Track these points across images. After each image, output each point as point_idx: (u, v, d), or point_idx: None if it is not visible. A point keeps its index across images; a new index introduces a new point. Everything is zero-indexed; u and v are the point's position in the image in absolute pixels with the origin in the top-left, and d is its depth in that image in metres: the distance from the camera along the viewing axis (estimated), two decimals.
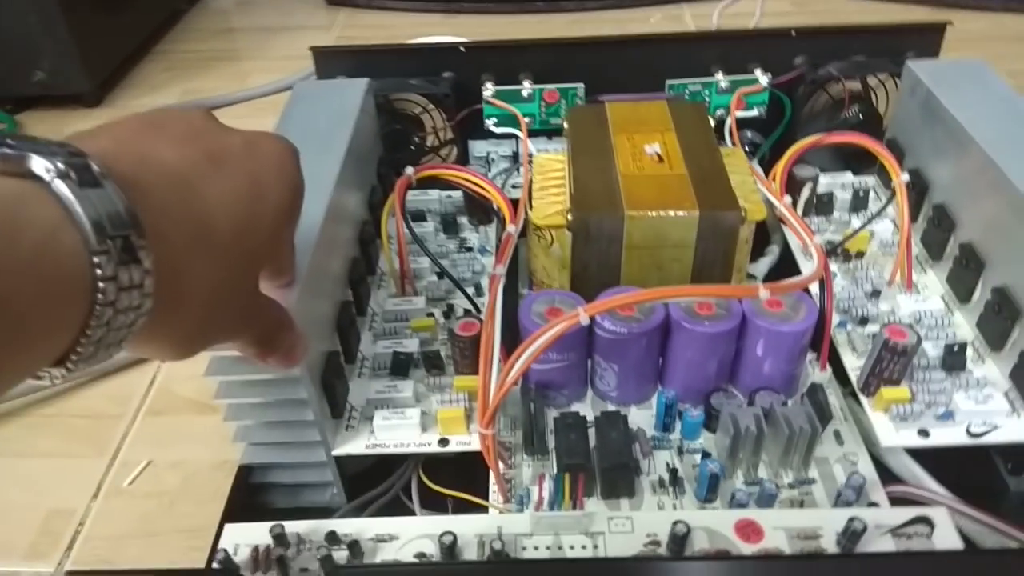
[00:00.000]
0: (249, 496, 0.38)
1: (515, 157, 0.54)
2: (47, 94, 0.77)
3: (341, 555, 0.26)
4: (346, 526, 0.27)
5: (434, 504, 0.37)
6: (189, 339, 0.23)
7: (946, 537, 0.26)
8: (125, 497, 0.42)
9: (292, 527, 0.27)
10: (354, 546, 0.26)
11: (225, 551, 0.25)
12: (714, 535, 0.26)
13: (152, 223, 0.20)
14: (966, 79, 0.45)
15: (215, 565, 0.25)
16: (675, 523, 0.25)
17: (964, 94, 0.43)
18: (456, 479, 0.37)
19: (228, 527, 0.27)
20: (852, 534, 0.25)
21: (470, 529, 0.27)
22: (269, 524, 0.26)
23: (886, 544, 0.26)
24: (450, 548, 0.25)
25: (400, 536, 0.27)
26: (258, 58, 0.90)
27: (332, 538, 0.26)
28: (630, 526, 0.27)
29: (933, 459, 0.36)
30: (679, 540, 0.25)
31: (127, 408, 0.47)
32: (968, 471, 0.37)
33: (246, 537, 0.27)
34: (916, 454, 0.37)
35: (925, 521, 0.26)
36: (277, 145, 0.26)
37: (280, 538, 0.26)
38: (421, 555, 0.26)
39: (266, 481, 0.38)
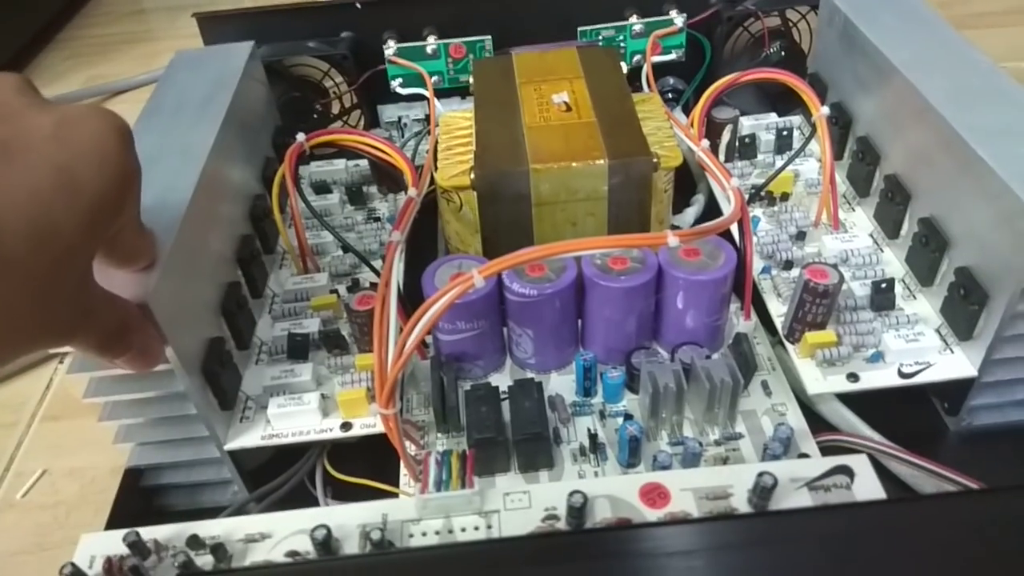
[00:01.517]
0: (145, 500, 0.35)
1: (428, 120, 0.51)
2: None
3: (207, 560, 0.23)
4: (212, 528, 0.24)
5: (349, 495, 0.34)
6: None
7: (867, 486, 0.24)
8: (19, 510, 0.39)
9: (152, 532, 0.24)
10: (218, 549, 0.23)
11: (73, 564, 0.22)
12: (617, 503, 0.24)
13: None
14: (885, 5, 0.43)
15: None
16: (571, 494, 0.23)
17: (883, 19, 0.41)
18: (371, 466, 0.34)
19: (84, 537, 0.25)
20: (762, 490, 0.23)
21: (352, 519, 0.24)
22: (122, 532, 0.23)
23: (802, 499, 0.24)
24: (324, 543, 0.23)
25: (273, 533, 0.24)
26: (169, 38, 0.85)
27: (195, 542, 0.24)
28: (527, 501, 0.25)
29: (869, 405, 0.34)
30: (576, 512, 0.23)
31: (21, 415, 0.44)
32: (905, 415, 0.35)
33: (104, 547, 0.24)
34: (852, 400, 0.35)
35: (845, 471, 0.25)
36: (98, 126, 0.22)
37: (135, 546, 0.23)
38: (294, 553, 0.23)
39: (160, 483, 0.35)
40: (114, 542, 0.24)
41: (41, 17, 0.86)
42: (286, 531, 0.24)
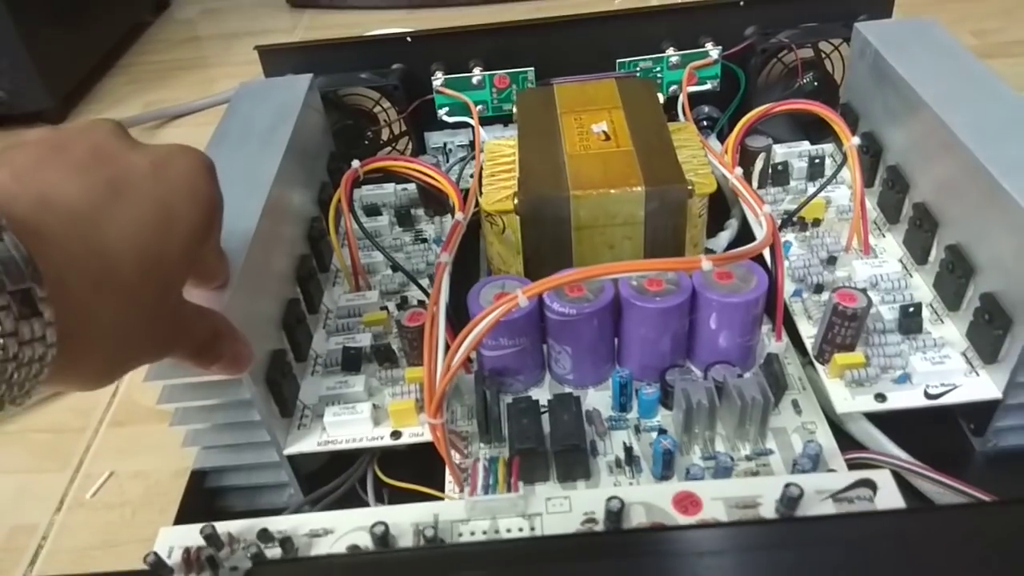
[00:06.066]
0: (207, 501, 0.37)
1: (472, 146, 0.54)
2: (9, 113, 0.76)
3: (275, 552, 0.26)
4: (280, 523, 0.27)
5: (396, 500, 0.36)
6: (104, 373, 0.23)
7: (890, 499, 0.25)
8: (88, 509, 0.42)
9: (226, 527, 0.26)
10: (286, 543, 0.26)
11: (156, 554, 0.25)
12: (651, 509, 0.26)
13: (53, 270, 0.19)
14: (915, 38, 0.44)
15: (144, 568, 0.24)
16: (609, 499, 0.25)
17: (913, 54, 0.43)
18: (417, 472, 0.36)
19: (163, 530, 0.27)
20: (788, 500, 0.25)
21: (406, 519, 0.26)
22: (198, 526, 0.26)
23: (827, 509, 0.25)
24: (382, 538, 0.25)
25: (335, 530, 0.26)
26: (223, 64, 0.90)
27: (265, 535, 0.26)
28: (568, 506, 0.26)
29: (898, 426, 0.36)
30: (614, 516, 0.25)
31: (90, 420, 0.47)
32: (933, 435, 0.36)
33: (181, 539, 0.26)
34: (881, 421, 0.36)
35: (868, 484, 0.26)
36: (188, 163, 0.25)
37: (211, 538, 0.26)
38: (354, 547, 0.25)
39: (223, 485, 0.37)
40: (190, 535, 0.26)
41: (104, 45, 0.90)
42: (346, 527, 0.26)
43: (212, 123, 0.78)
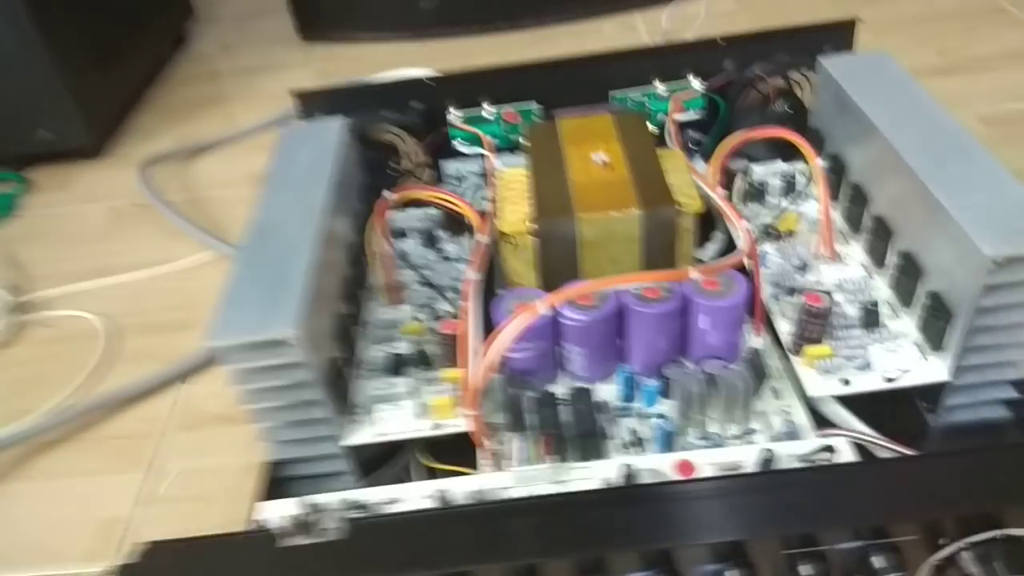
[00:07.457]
0: (276, 490, 0.44)
1: (484, 174, 0.60)
2: (52, 151, 0.82)
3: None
4: (357, 495, 0.33)
5: None
6: None
7: (846, 459, 0.32)
8: (165, 502, 0.48)
9: (311, 499, 0.33)
10: (365, 509, 0.32)
11: (259, 521, 0.31)
12: (656, 474, 0.32)
13: None
14: (870, 71, 0.51)
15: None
16: (624, 466, 0.31)
17: (868, 85, 0.49)
18: (455, 458, 0.42)
19: (258, 504, 0.33)
20: (764, 461, 0.31)
21: (460, 489, 0.33)
22: (292, 499, 0.32)
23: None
24: (447, 502, 0.31)
25: (403, 499, 0.33)
26: (243, 99, 0.96)
27: (349, 504, 0.32)
28: (590, 475, 0.33)
29: (867, 408, 0.42)
30: (627, 479, 0.31)
31: (158, 427, 0.53)
32: (895, 415, 0.43)
33: (274, 512, 0.33)
34: (852, 404, 0.42)
35: (829, 449, 0.32)
36: None
37: (306, 505, 0.32)
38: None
39: (289, 475, 0.43)
40: (283, 507, 0.32)
41: (134, 81, 0.96)
42: (411, 497, 0.33)
43: (240, 155, 0.84)
